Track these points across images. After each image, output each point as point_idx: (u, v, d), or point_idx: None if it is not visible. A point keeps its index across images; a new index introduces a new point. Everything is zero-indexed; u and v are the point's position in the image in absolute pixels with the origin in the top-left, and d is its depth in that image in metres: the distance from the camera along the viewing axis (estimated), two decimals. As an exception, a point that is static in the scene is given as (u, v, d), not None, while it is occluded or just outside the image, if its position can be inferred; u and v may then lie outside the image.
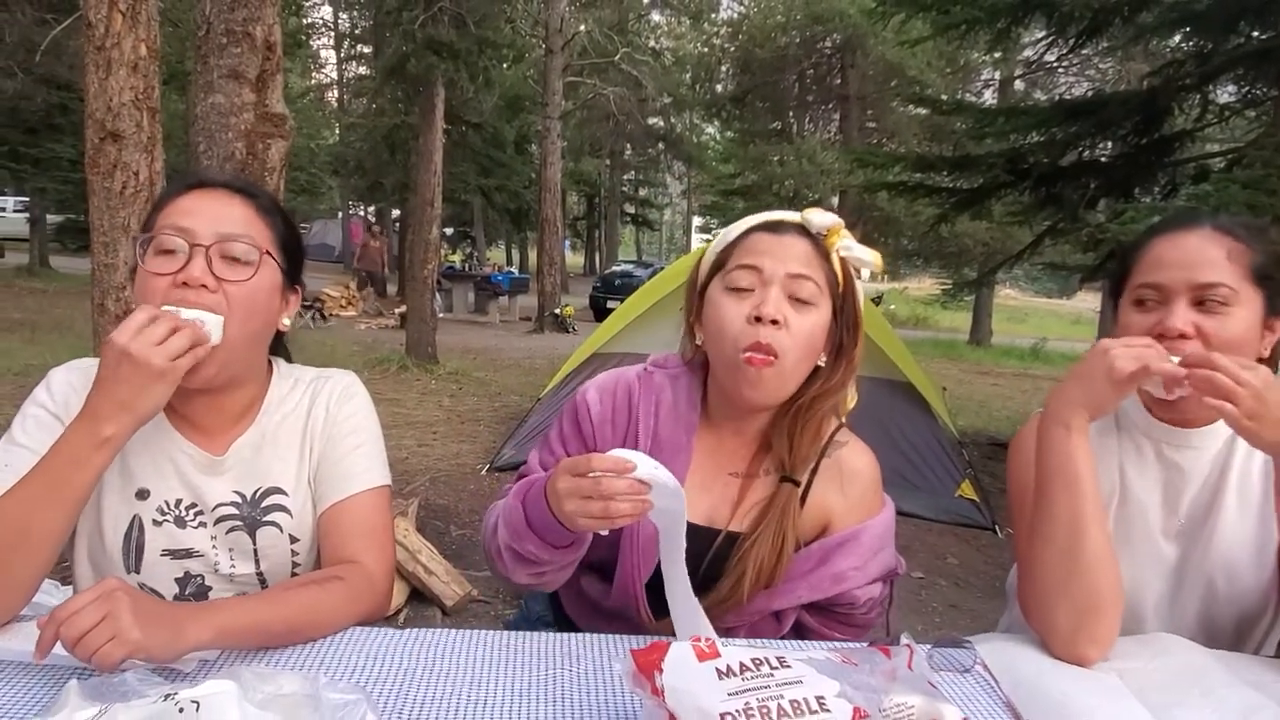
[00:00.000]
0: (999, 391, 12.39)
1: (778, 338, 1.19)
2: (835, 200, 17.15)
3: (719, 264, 1.30)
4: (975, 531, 5.20)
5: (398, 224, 22.79)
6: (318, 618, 1.08)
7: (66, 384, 1.18)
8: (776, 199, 18.33)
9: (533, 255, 32.90)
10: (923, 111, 14.09)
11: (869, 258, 1.31)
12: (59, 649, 0.87)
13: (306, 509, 1.24)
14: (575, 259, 39.27)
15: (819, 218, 1.29)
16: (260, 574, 1.22)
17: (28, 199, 21.08)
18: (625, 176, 36.96)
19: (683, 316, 1.42)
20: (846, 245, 1.29)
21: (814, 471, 1.31)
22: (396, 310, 14.60)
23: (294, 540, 1.23)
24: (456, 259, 21.73)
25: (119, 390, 1.01)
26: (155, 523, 1.18)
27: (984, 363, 16.79)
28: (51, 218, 21.37)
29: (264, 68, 3.96)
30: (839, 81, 18.31)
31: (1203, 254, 1.19)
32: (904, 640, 0.95)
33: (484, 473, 5.84)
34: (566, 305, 16.24)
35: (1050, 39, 7.45)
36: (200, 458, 1.20)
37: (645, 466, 0.99)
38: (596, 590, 1.35)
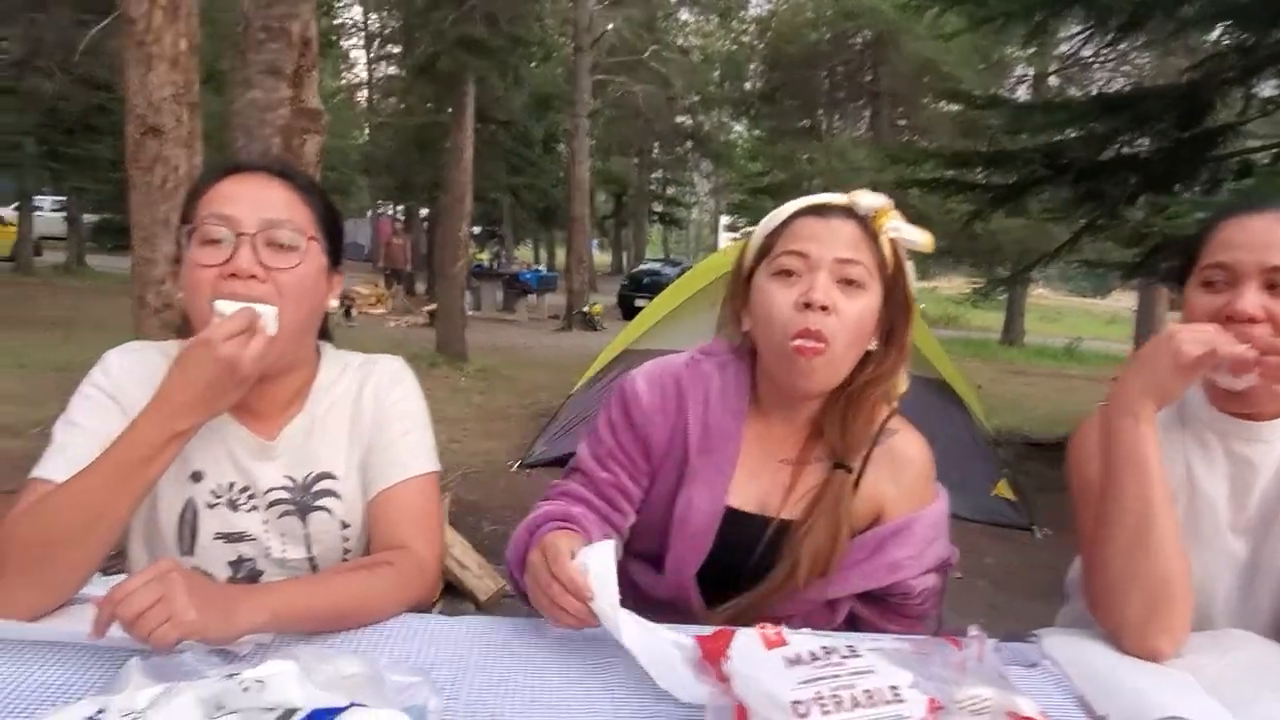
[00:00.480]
0: (1033, 391, 12.23)
1: (827, 323, 1.17)
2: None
3: (764, 250, 1.27)
4: (1012, 531, 5.13)
5: (426, 223, 22.92)
6: (369, 603, 1.07)
7: (120, 366, 1.18)
8: (805, 197, 18.18)
9: (560, 254, 32.99)
10: (955, 108, 13.93)
11: (919, 237, 1.28)
12: (115, 629, 0.87)
13: (356, 494, 1.23)
14: (603, 258, 39.29)
15: (866, 199, 1.26)
16: (311, 559, 1.21)
17: (65, 198, 21.47)
18: (653, 175, 36.95)
19: (724, 309, 1.39)
20: (895, 226, 1.26)
21: (866, 459, 1.28)
22: (425, 308, 14.69)
23: (345, 526, 1.22)
24: (485, 257, 21.84)
25: (201, 388, 1.02)
26: (209, 506, 1.17)
27: (1017, 362, 16.58)
28: (88, 217, 21.73)
29: (300, 63, 3.98)
30: (870, 78, 18.15)
31: (1273, 235, 1.14)
32: (973, 631, 0.92)
33: (515, 469, 5.85)
34: (595, 303, 16.26)
35: (1088, 33, 7.34)
36: (252, 442, 1.19)
37: (602, 600, 0.99)
38: (647, 579, 1.33)
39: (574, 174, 15.05)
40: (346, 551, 1.23)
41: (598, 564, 1.00)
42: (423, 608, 1.14)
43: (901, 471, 1.29)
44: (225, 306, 1.06)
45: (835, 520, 1.23)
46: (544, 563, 1.04)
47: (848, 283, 1.19)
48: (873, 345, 1.26)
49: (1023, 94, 17.53)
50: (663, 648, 0.95)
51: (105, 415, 1.12)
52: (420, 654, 1.00)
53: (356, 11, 26.11)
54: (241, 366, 1.02)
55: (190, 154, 3.33)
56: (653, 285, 18.68)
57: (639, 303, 18.11)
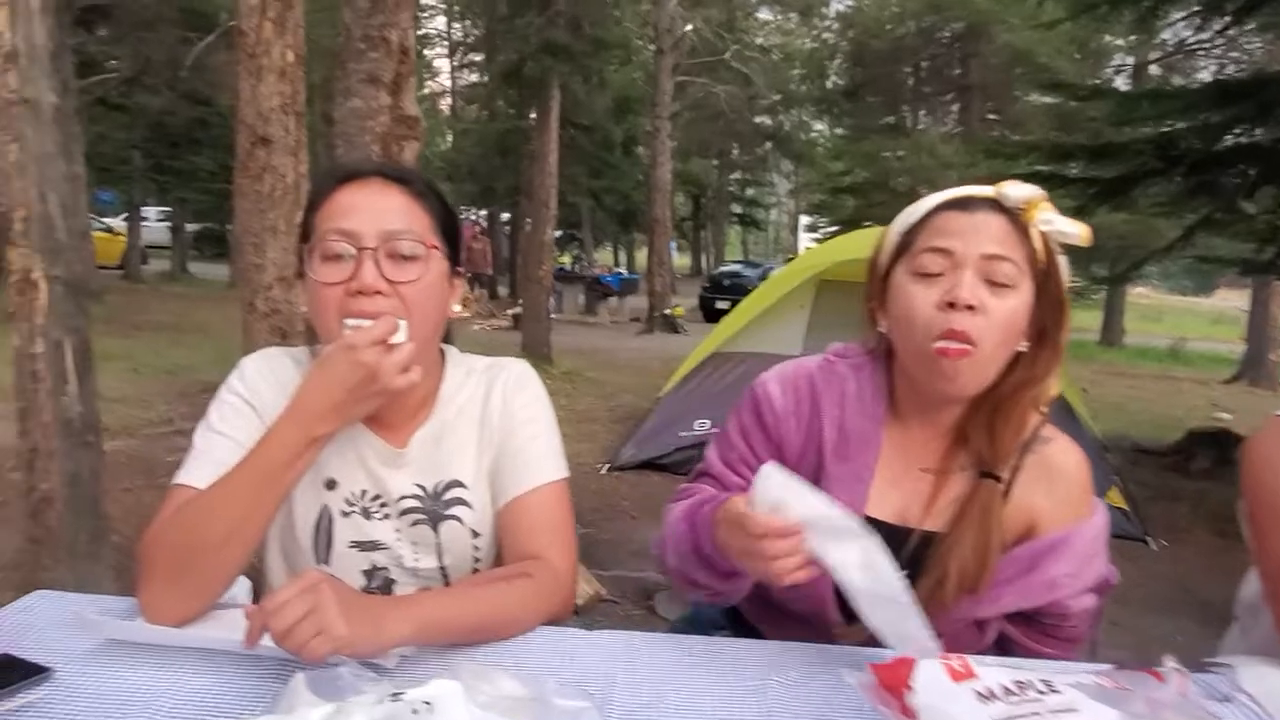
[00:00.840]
0: (1137, 394, 11.69)
1: (974, 324, 1.09)
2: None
3: (902, 247, 1.20)
4: (1125, 543, 4.87)
5: (508, 227, 23.25)
6: (508, 615, 1.04)
7: (257, 372, 1.18)
8: (890, 195, 17.83)
9: (639, 256, 33.05)
10: (1051, 100, 13.41)
11: (1075, 230, 1.18)
12: (265, 637, 0.86)
13: (486, 502, 1.21)
14: (681, 260, 39.27)
15: (1016, 190, 1.17)
16: (443, 568, 1.19)
17: (169, 209, 22.51)
18: (732, 176, 36.76)
19: (866, 309, 1.32)
20: (1048, 219, 1.16)
21: (1016, 468, 1.20)
22: (508, 311, 14.88)
23: (475, 535, 1.20)
24: (566, 260, 22.03)
25: (340, 394, 1.01)
26: (343, 514, 1.16)
27: (1118, 364, 15.90)
28: (190, 226, 22.74)
29: (398, 71, 4.04)
30: (959, 72, 17.64)
31: None
32: (1171, 663, 0.84)
33: (604, 472, 5.83)
34: (676, 306, 16.21)
35: (1199, 18, 6.96)
36: (383, 450, 1.18)
37: (801, 507, 0.96)
38: (781, 593, 1.26)
39: (654, 176, 15.05)
40: (477, 560, 1.21)
41: (782, 492, 0.97)
42: (560, 620, 1.11)
43: (1055, 483, 1.20)
44: (356, 326, 1.05)
45: (985, 533, 1.15)
46: (737, 530, 1.01)
47: (995, 282, 1.11)
48: (1023, 346, 1.17)
49: (1121, 84, 16.80)
50: (887, 588, 0.95)
51: (243, 421, 1.13)
52: (561, 669, 0.97)
53: (440, 21, 26.66)
54: (382, 375, 1.00)
55: (296, 163, 3.40)
56: (734, 287, 18.58)
57: (720, 305, 18.03)
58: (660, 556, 1.25)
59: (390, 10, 3.89)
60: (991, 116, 18.48)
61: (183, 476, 1.09)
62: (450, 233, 1.19)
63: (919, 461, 1.23)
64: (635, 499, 5.40)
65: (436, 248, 1.14)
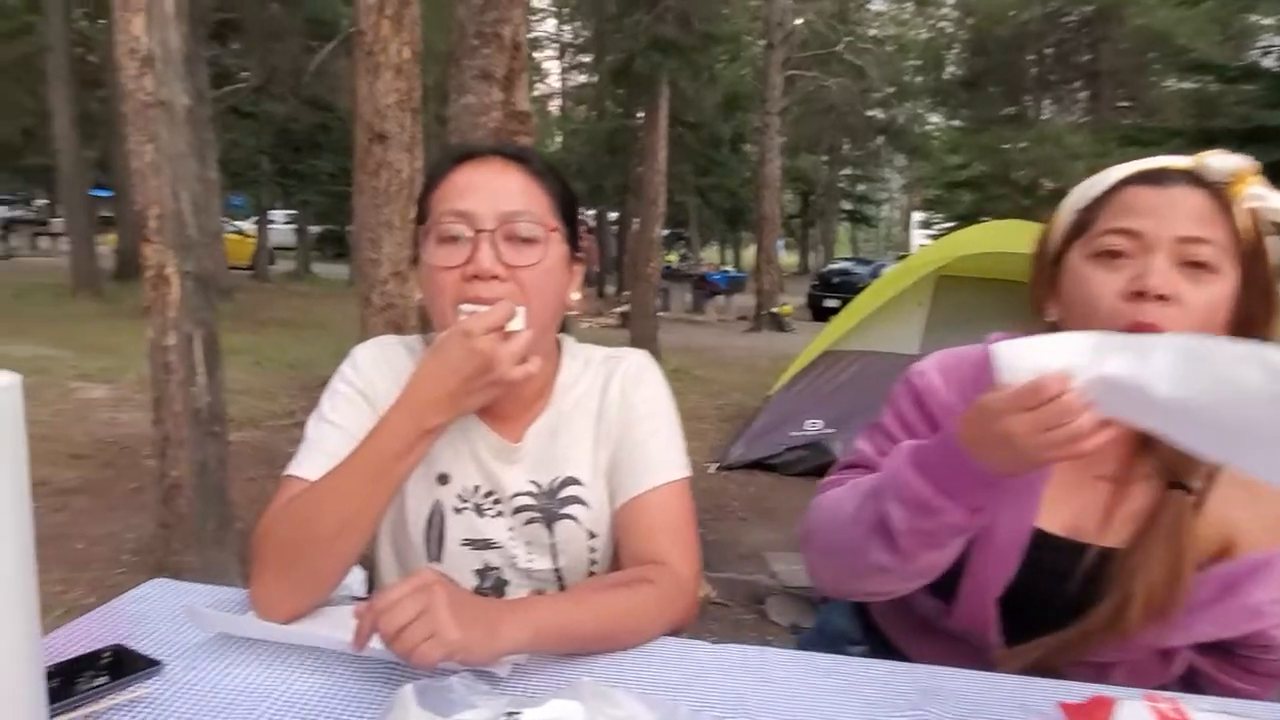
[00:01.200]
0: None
1: (1165, 315, 0.93)
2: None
3: (1080, 226, 1.05)
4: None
5: (615, 226, 23.40)
6: (629, 624, 0.97)
7: (370, 361, 1.14)
8: (1011, 189, 17.05)
9: (746, 255, 32.75)
10: (1190, 85, 12.51)
11: None
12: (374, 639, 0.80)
13: (603, 501, 1.14)
14: (789, 258, 38.71)
15: (1220, 161, 1.00)
16: (558, 570, 1.13)
17: (295, 212, 23.66)
18: (843, 172, 35.99)
19: (1032, 297, 1.17)
20: (1258, 194, 0.99)
21: (1209, 478, 1.04)
22: (616, 309, 14.94)
23: (591, 535, 1.13)
24: (673, 259, 22.00)
25: (455, 383, 0.95)
26: (456, 510, 1.11)
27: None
28: (312, 228, 23.85)
29: (511, 67, 4.05)
30: (1088, 57, 16.68)
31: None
32: None
33: (712, 471, 5.73)
34: (784, 304, 15.95)
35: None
36: (497, 444, 1.12)
37: (1066, 354, 0.80)
38: (930, 606, 1.14)
39: (763, 172, 14.82)
40: (593, 563, 1.14)
41: (1032, 354, 0.83)
42: (681, 630, 1.03)
43: (1259, 496, 1.03)
44: (471, 311, 0.99)
45: (1175, 551, 1.00)
46: (1015, 400, 0.84)
47: (1194, 265, 0.96)
48: None
49: (1270, 65, 15.55)
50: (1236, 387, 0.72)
51: (356, 411, 1.09)
52: (686, 688, 0.88)
53: (550, 24, 27.06)
54: (498, 364, 0.94)
55: (411, 159, 3.44)
56: (843, 285, 18.17)
57: (829, 303, 17.67)
58: (809, 547, 1.12)
59: (503, 6, 3.89)
60: (1123, 104, 17.42)
61: (294, 468, 1.05)
62: (570, 215, 1.12)
63: (1094, 468, 1.08)
64: (744, 500, 5.29)
65: (556, 230, 1.07)
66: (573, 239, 1.12)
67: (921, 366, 1.16)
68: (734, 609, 3.71)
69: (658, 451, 1.13)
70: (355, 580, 1.38)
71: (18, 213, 25.09)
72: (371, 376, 1.11)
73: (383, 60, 3.31)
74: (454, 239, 1.02)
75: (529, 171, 1.08)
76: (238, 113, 17.72)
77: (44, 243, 22.53)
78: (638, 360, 1.21)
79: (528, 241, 1.03)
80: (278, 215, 25.59)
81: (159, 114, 2.94)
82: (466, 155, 1.08)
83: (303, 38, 14.28)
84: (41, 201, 28.20)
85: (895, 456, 0.98)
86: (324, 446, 1.05)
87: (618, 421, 1.15)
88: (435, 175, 1.09)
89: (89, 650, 0.89)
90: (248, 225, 22.84)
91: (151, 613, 1.01)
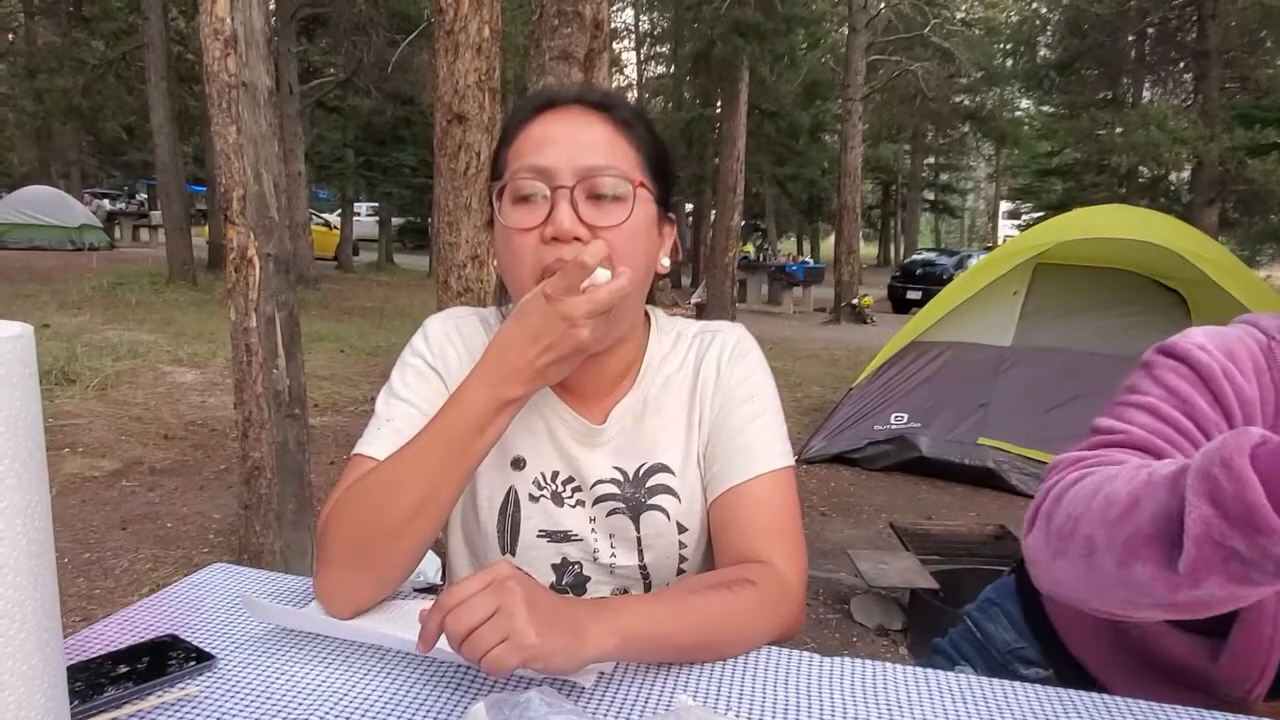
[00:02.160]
0: None
1: None
2: (1187, 174, 14.80)
3: None
4: None
5: (691, 217, 23.23)
6: (729, 631, 0.85)
7: (443, 333, 1.04)
8: (1107, 177, 16.26)
9: (824, 246, 32.19)
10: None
11: None
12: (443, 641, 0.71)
13: (696, 492, 1.02)
14: (868, 250, 37.90)
15: None
16: (643, 567, 1.02)
17: (377, 205, 24.18)
18: (926, 161, 35.02)
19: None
20: None
21: None
22: (691, 299, 14.79)
23: (682, 530, 1.01)
24: (750, 249, 21.72)
25: (536, 351, 0.84)
26: (532, 498, 1.01)
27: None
28: (395, 221, 24.34)
29: (591, 46, 3.97)
30: (1193, 36, 15.77)
31: None
32: None
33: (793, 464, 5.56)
34: (865, 295, 15.55)
35: None
36: (578, 426, 1.01)
37: None
38: (1182, 642, 0.94)
39: (845, 160, 14.44)
40: (683, 560, 1.02)
41: None
42: (786, 640, 0.91)
43: None
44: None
45: None
46: None
47: None
48: None
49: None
50: None
51: (428, 386, 1.00)
52: (799, 709, 0.76)
53: (629, 15, 26.99)
54: (581, 335, 0.83)
55: (490, 139, 3.38)
56: (927, 276, 17.67)
57: (911, 295, 17.19)
58: (1046, 539, 0.82)
59: (584, -16, 3.81)
60: (1230, 85, 16.39)
61: (362, 446, 0.96)
62: (661, 171, 1.00)
63: None
64: (825, 495, 5.11)
65: (645, 186, 0.96)
66: (664, 197, 1.00)
67: (1183, 336, 0.92)
68: (816, 608, 3.56)
69: (759, 437, 1.01)
70: (431, 568, 1.30)
71: (120, 206, 26.26)
72: (444, 349, 1.02)
73: (462, 39, 3.25)
74: (530, 198, 0.92)
75: (614, 120, 0.96)
76: (324, 107, 18.15)
77: (144, 235, 23.52)
78: (735, 334, 1.08)
79: (613, 199, 0.92)
80: (361, 208, 26.19)
81: (242, 95, 2.93)
82: (546, 104, 0.97)
83: (388, 31, 14.50)
84: (143, 196, 29.48)
85: (1227, 442, 0.66)
86: (394, 424, 0.96)
87: (714, 403, 1.03)
88: (511, 127, 0.99)
89: (141, 640, 0.82)
90: (333, 217, 23.42)
91: (209, 600, 0.94)
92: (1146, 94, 19.21)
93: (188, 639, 0.83)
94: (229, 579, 1.00)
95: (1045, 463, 5.04)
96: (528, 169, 0.92)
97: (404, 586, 0.94)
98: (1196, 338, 0.90)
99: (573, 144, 0.93)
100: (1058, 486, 0.81)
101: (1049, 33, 20.67)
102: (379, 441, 0.95)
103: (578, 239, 0.90)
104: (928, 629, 3.22)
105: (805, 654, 0.86)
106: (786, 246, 32.38)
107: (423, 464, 0.86)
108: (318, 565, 0.90)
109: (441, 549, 1.11)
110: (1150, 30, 17.84)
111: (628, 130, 0.97)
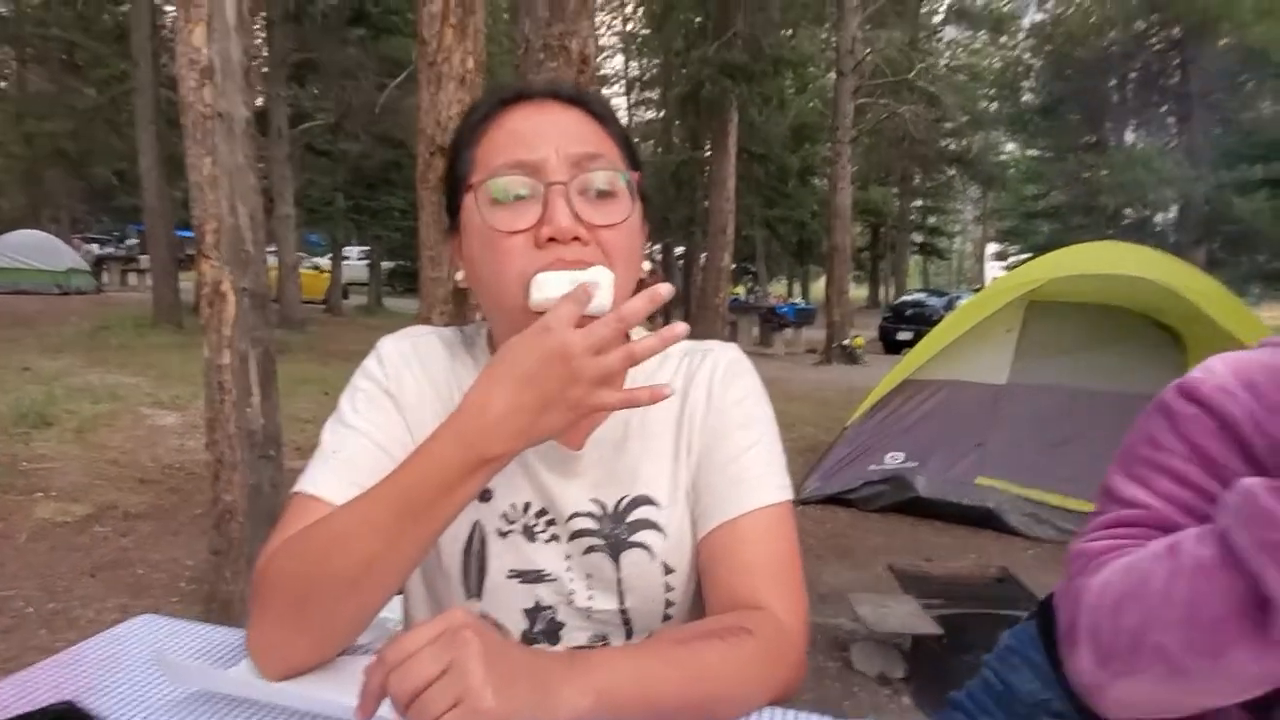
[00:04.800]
0: None
1: None
2: (1174, 214, 14.91)
3: None
4: None
5: (681, 260, 23.31)
6: (724, 688, 0.73)
7: (398, 354, 0.94)
8: (1093, 218, 16.39)
9: (814, 289, 32.34)
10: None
11: None
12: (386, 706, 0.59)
13: (684, 528, 0.91)
14: (858, 291, 38.08)
15: None
16: (624, 611, 0.90)
17: (368, 248, 24.19)
18: (914, 204, 35.36)
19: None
20: None
21: None
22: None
23: (668, 570, 0.90)
24: (740, 291, 21.75)
25: (531, 396, 0.70)
26: (500, 533, 0.89)
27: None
28: (385, 264, 24.34)
29: (578, 81, 3.92)
30: (1175, 79, 16.02)
31: None
32: None
33: (787, 506, 5.44)
34: (856, 336, 15.53)
35: None
36: (552, 451, 0.90)
37: None
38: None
39: (834, 202, 14.51)
40: (669, 605, 0.91)
41: None
42: (787, 698, 0.79)
43: None
44: (550, 280, 0.77)
45: None
46: None
47: None
48: None
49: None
50: None
51: (380, 412, 0.88)
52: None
53: (618, 60, 27.37)
54: (586, 367, 0.69)
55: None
56: (916, 317, 17.71)
57: (902, 335, 17.19)
58: (1094, 653, 0.75)
59: (570, 19, 3.78)
60: (1214, 128, 16.62)
61: (305, 482, 0.85)
62: (635, 165, 0.91)
63: None
64: (821, 536, 4.98)
65: (638, 179, 0.86)
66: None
67: (1193, 375, 0.84)
68: (814, 655, 3.41)
69: (755, 468, 0.90)
70: (395, 615, 1.18)
71: (109, 250, 26.19)
72: (399, 371, 0.91)
73: (445, 71, 3.19)
74: (519, 198, 0.81)
75: (592, 113, 0.87)
76: (314, 150, 18.21)
77: (133, 279, 23.44)
78: (728, 354, 0.98)
79: (606, 195, 0.83)
80: (352, 251, 26.18)
81: (218, 126, 2.85)
82: (515, 97, 0.87)
83: (377, 75, 14.60)
84: (133, 241, 29.48)
85: (1258, 502, 0.63)
86: (342, 456, 0.85)
87: (704, 429, 0.92)
88: (474, 124, 0.88)
89: (31, 708, 0.70)
90: (323, 261, 23.43)
91: (128, 657, 0.82)
92: (1130, 136, 19.49)
93: (90, 706, 0.71)
94: (155, 632, 0.88)
95: (1046, 504, 4.97)
96: (511, 164, 0.82)
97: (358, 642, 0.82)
98: (1219, 374, 0.82)
99: (559, 135, 0.83)
100: (1090, 596, 0.75)
101: (1032, 78, 21.03)
102: (325, 476, 0.84)
103: (578, 239, 0.79)
104: (932, 677, 3.08)
105: (808, 714, 0.74)
106: (777, 288, 32.49)
107: (377, 518, 0.73)
108: (250, 619, 0.78)
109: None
110: (1133, 74, 18.14)
111: (605, 124, 0.88)
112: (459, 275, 0.90)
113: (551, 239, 0.79)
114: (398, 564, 0.75)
